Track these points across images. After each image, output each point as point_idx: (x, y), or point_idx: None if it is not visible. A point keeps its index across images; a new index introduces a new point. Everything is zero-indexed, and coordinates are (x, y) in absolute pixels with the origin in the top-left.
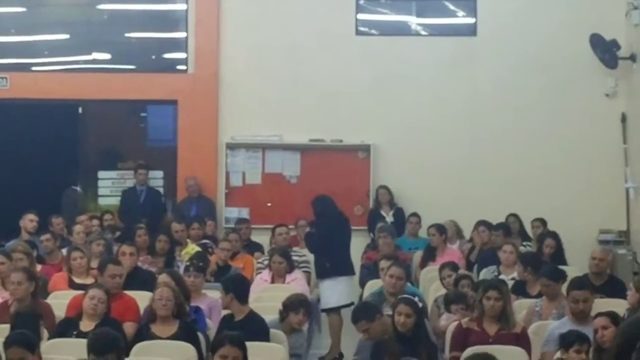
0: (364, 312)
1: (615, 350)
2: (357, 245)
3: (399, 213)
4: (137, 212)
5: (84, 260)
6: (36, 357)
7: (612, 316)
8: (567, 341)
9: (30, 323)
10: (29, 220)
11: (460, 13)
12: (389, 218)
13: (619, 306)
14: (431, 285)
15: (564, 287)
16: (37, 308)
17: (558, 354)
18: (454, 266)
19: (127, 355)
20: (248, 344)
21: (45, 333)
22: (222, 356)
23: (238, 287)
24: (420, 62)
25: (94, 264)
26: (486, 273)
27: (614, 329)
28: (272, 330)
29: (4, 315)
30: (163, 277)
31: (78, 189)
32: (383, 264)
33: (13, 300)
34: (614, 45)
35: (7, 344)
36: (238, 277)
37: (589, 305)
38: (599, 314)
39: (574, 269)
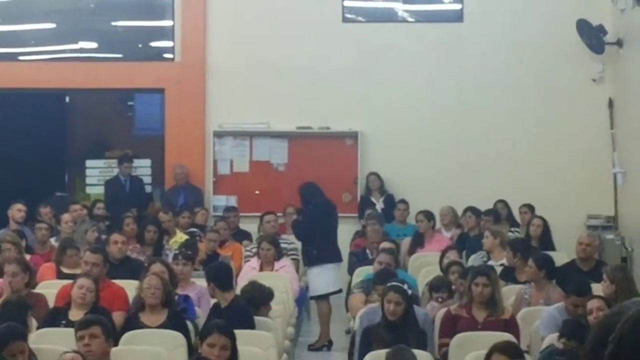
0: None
1: (590, 346)
2: (345, 232)
3: (389, 200)
4: (123, 201)
5: (78, 256)
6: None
7: (604, 299)
8: (564, 331)
9: (18, 313)
10: (17, 210)
11: None
12: (380, 205)
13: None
14: (420, 271)
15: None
16: (28, 298)
17: (552, 338)
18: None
19: (117, 344)
20: (236, 332)
21: (34, 323)
22: (209, 344)
23: (218, 276)
24: (407, 48)
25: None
26: (475, 259)
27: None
28: (260, 318)
29: None
30: (157, 267)
31: (65, 194)
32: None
33: (6, 290)
34: (601, 30)
35: (6, 340)
36: (218, 266)
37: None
38: (594, 296)
39: (561, 254)
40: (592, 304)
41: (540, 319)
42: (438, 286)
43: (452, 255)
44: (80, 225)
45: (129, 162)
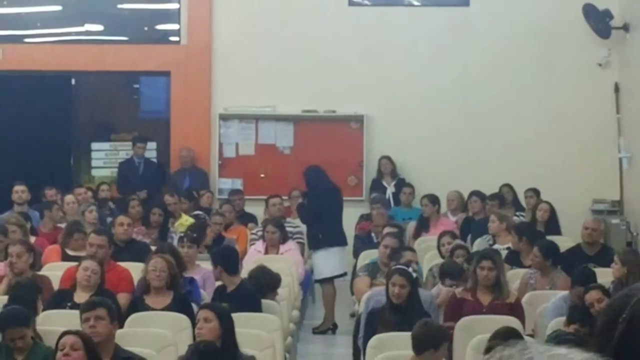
0: None
1: (600, 327)
2: (351, 216)
3: (401, 184)
4: (135, 184)
5: (85, 239)
6: (31, 330)
7: (603, 289)
8: (574, 317)
9: (28, 295)
10: (15, 192)
11: None
12: (391, 189)
13: (612, 275)
14: (425, 255)
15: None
16: (37, 280)
17: (558, 322)
18: (453, 234)
19: (122, 326)
20: (241, 314)
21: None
22: (197, 320)
23: (225, 260)
24: (413, 32)
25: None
26: (480, 243)
27: (607, 300)
28: (265, 301)
29: None
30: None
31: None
32: (444, 240)
33: (9, 272)
34: (607, 15)
35: (3, 325)
36: (226, 249)
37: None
38: (590, 287)
39: (567, 239)
40: (591, 296)
41: (545, 303)
42: (452, 274)
43: (447, 240)
44: (80, 207)
45: (142, 143)
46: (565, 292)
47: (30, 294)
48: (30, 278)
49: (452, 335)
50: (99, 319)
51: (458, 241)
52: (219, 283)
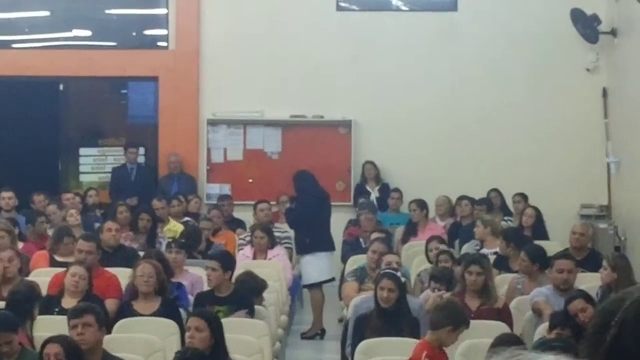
0: None
1: (591, 331)
2: (339, 221)
3: (384, 189)
4: (128, 189)
5: (74, 244)
6: (23, 335)
7: (585, 296)
8: (551, 323)
9: (24, 302)
10: (2, 198)
11: None
12: (375, 194)
13: (600, 281)
14: (413, 260)
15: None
16: (35, 287)
17: (543, 329)
18: (441, 239)
19: (110, 332)
20: (228, 320)
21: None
22: (188, 327)
23: (234, 267)
24: (401, 37)
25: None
26: (468, 247)
27: (592, 308)
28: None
29: None
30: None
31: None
32: (432, 245)
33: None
34: (595, 19)
35: None
36: (233, 256)
37: (573, 276)
38: (572, 298)
39: (555, 243)
40: (575, 306)
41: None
42: (439, 278)
43: (435, 245)
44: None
45: (134, 148)
46: (550, 285)
47: (28, 300)
48: (28, 284)
49: None
50: (87, 325)
51: (442, 246)
52: (206, 288)
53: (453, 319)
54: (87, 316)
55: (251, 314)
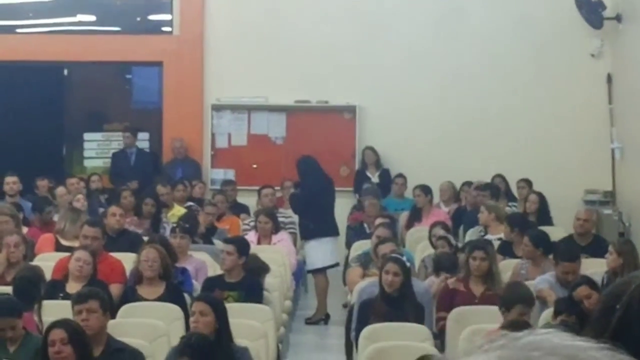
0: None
1: (597, 315)
2: (343, 206)
3: (385, 174)
4: (127, 174)
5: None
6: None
7: (590, 282)
8: (556, 309)
9: (30, 286)
10: (6, 183)
11: None
12: (375, 179)
13: (605, 266)
14: (417, 246)
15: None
16: (39, 271)
17: (547, 314)
18: (444, 225)
19: (114, 317)
20: (233, 305)
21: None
22: (191, 314)
23: (249, 251)
24: (406, 22)
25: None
26: (473, 233)
27: (596, 294)
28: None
29: None
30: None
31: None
32: (435, 231)
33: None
34: (600, 5)
35: None
36: (248, 243)
37: (577, 275)
38: (577, 284)
39: (559, 229)
40: (579, 292)
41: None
42: (447, 267)
43: (438, 231)
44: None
45: (130, 133)
46: (553, 272)
47: (35, 284)
48: (33, 267)
49: (445, 326)
50: (91, 311)
51: (441, 232)
52: (212, 273)
53: (523, 298)
54: (91, 302)
55: (260, 300)
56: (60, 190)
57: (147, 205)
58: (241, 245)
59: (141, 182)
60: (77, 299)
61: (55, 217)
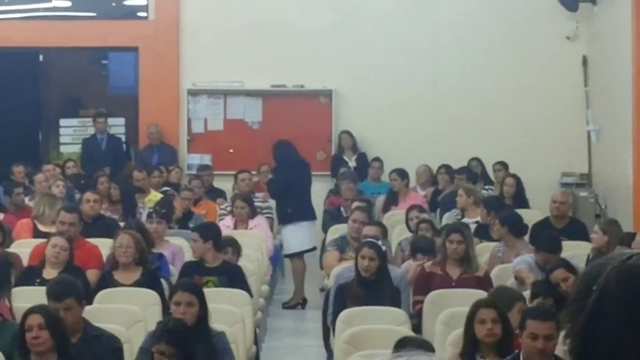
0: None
1: (574, 297)
2: (320, 190)
3: (362, 158)
4: (99, 160)
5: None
6: (4, 304)
7: (567, 265)
8: (533, 292)
9: (2, 271)
10: None
11: None
12: (352, 163)
13: (581, 248)
14: (394, 230)
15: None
16: (9, 256)
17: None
18: (421, 208)
19: (91, 302)
20: (211, 290)
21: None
22: (176, 303)
23: (217, 236)
24: (382, 6)
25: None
26: (449, 217)
27: (573, 277)
28: None
29: None
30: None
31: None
32: (412, 214)
33: None
34: None
35: None
36: (215, 226)
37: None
38: (553, 267)
39: (535, 212)
40: (556, 275)
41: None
42: (423, 249)
43: (415, 214)
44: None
45: (101, 118)
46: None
47: (3, 269)
48: (2, 254)
49: (422, 309)
50: (67, 309)
51: (424, 215)
52: (188, 258)
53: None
54: (68, 300)
55: (244, 285)
56: (39, 177)
57: (115, 190)
58: (203, 231)
59: (112, 168)
60: (53, 296)
61: (27, 201)
